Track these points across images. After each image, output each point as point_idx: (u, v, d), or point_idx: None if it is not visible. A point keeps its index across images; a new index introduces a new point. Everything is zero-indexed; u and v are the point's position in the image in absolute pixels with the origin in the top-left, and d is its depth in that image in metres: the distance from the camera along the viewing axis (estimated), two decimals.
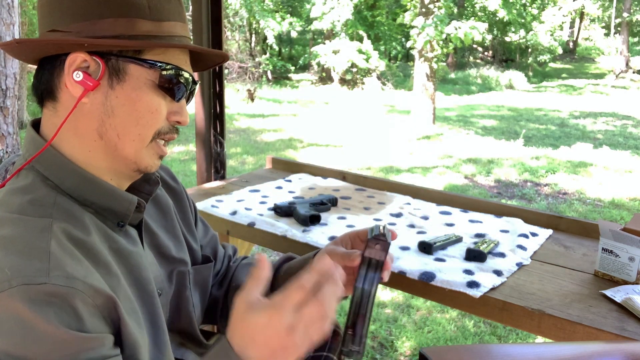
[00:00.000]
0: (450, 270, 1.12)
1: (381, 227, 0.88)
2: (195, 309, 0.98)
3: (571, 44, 28.03)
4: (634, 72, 20.65)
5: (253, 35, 18.10)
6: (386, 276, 0.88)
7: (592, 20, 28.60)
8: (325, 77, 17.40)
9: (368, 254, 0.84)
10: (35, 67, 0.81)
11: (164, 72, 0.77)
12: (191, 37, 0.86)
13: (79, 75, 0.74)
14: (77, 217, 0.74)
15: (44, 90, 0.78)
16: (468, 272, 1.12)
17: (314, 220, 1.40)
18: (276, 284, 1.06)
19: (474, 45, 20.96)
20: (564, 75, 22.21)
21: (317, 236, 1.31)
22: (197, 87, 0.88)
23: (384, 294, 3.29)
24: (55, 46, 0.75)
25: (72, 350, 0.64)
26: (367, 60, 15.85)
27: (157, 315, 0.82)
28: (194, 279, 0.99)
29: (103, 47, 0.74)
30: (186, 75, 0.80)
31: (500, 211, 1.52)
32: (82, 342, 0.65)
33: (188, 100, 0.85)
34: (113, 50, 0.75)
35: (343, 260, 0.92)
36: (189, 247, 1.01)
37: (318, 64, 16.91)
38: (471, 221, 1.46)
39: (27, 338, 0.62)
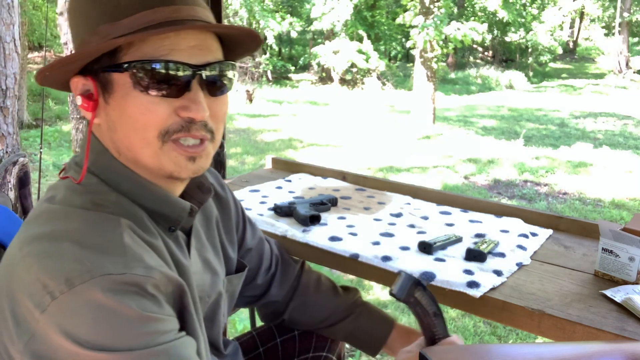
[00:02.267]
0: (450, 270, 1.12)
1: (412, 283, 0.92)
2: (224, 317, 0.99)
3: (571, 44, 28.00)
4: (634, 72, 20.64)
5: None
6: None
7: (592, 20, 28.58)
8: (325, 77, 17.39)
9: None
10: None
11: (134, 72, 0.71)
12: (201, 18, 0.76)
13: (79, 100, 0.76)
14: (138, 217, 0.75)
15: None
16: (468, 272, 1.12)
17: (314, 220, 1.40)
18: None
19: (474, 45, 20.95)
20: (564, 75, 22.20)
21: (317, 236, 1.31)
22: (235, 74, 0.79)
23: (384, 294, 3.29)
24: (58, 75, 0.77)
25: (155, 332, 0.65)
26: (367, 60, 15.84)
27: (199, 322, 0.83)
28: (226, 289, 1.00)
29: (67, 64, 0.74)
30: (171, 66, 0.71)
31: (500, 211, 1.52)
32: (163, 323, 0.66)
33: (211, 90, 0.76)
34: (96, 66, 0.74)
35: None
36: (226, 256, 1.02)
37: (318, 64, 16.91)
38: (471, 221, 1.46)
39: (113, 325, 0.62)
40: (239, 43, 0.81)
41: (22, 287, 0.64)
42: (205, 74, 0.74)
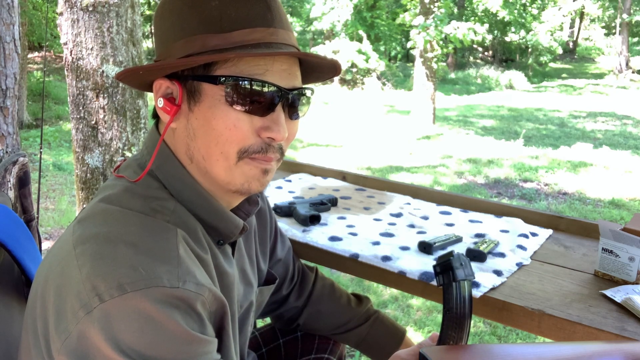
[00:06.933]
0: None
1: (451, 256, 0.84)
2: (251, 328, 1.00)
3: (571, 44, 28.01)
4: (633, 72, 20.64)
5: None
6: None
7: (592, 20, 28.59)
8: None
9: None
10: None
11: (228, 87, 0.72)
12: (293, 44, 0.78)
13: (160, 102, 0.76)
14: (192, 229, 0.75)
15: (154, 113, 0.81)
16: None
17: (314, 220, 1.40)
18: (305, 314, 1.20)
19: (474, 45, 20.95)
20: (564, 75, 22.21)
21: (317, 236, 1.31)
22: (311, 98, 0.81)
23: (384, 294, 3.29)
24: (143, 75, 0.77)
25: (195, 352, 0.64)
26: (366, 60, 15.85)
27: (235, 343, 0.83)
28: (256, 299, 1.00)
29: (164, 69, 0.74)
30: (264, 86, 0.72)
31: (500, 211, 1.52)
32: (204, 345, 0.66)
33: (291, 113, 0.77)
34: (186, 72, 0.74)
35: None
36: (258, 267, 1.03)
37: None
38: (471, 221, 1.46)
39: (158, 338, 0.61)
40: (317, 71, 0.83)
41: (71, 285, 0.63)
42: (290, 97, 0.76)
